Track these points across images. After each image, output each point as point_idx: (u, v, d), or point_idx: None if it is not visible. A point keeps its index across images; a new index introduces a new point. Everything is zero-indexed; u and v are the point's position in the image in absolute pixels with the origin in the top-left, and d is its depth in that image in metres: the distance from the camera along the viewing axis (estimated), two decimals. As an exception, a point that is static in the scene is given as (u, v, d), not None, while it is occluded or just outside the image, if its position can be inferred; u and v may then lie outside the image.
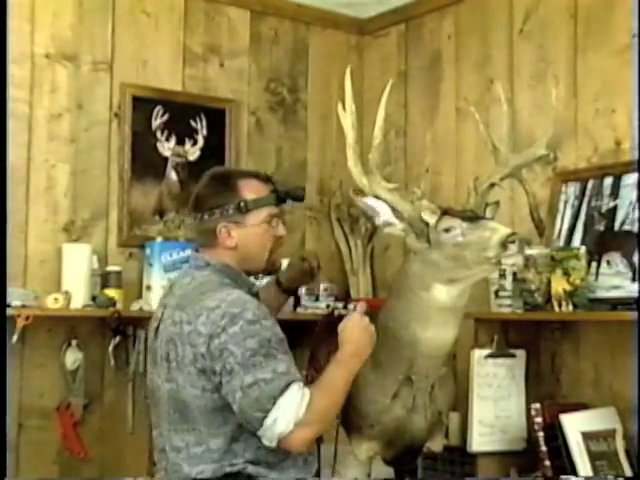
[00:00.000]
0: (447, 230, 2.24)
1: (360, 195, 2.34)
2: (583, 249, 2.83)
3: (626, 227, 2.84)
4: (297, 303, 3.39)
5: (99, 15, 3.31)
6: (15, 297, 2.88)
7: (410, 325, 2.28)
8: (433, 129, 3.60)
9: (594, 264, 2.85)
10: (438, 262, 2.25)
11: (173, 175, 3.42)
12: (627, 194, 2.86)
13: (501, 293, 2.98)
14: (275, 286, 2.61)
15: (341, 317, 2.29)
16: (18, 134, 3.09)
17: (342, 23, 3.89)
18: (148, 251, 3.21)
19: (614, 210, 2.89)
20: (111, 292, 3.11)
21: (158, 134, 3.39)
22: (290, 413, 2.03)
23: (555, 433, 2.73)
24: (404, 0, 3.69)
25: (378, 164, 2.30)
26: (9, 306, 2.81)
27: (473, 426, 2.88)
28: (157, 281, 3.16)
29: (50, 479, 3.09)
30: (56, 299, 2.97)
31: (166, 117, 3.40)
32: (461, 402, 2.89)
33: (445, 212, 2.28)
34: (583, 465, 2.68)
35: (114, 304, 3.08)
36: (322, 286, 3.51)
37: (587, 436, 2.71)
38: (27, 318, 2.86)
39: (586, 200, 2.98)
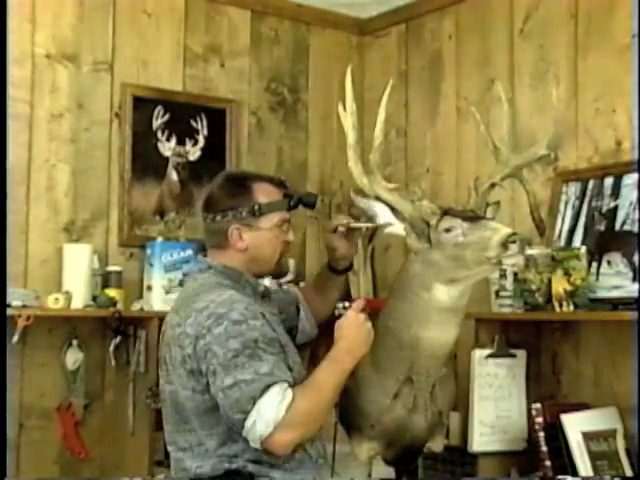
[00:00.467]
0: (448, 230, 2.24)
1: (361, 195, 2.34)
2: (584, 249, 2.83)
3: (627, 227, 2.84)
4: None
5: (100, 15, 3.31)
6: (16, 297, 2.88)
7: (411, 325, 2.28)
8: (434, 129, 3.60)
9: (595, 264, 2.85)
10: (439, 262, 2.24)
11: (174, 175, 3.43)
12: (628, 194, 2.86)
13: (502, 293, 2.98)
14: (330, 273, 2.51)
15: (341, 317, 2.29)
16: (19, 134, 3.09)
17: (343, 23, 3.89)
18: (149, 251, 3.21)
19: (615, 210, 2.88)
20: (112, 292, 3.11)
21: (159, 134, 3.39)
22: (268, 415, 2.00)
23: (556, 433, 2.74)
24: (405, 0, 3.69)
25: (379, 164, 2.29)
26: (10, 306, 2.82)
27: (474, 426, 2.88)
28: (158, 281, 3.16)
29: (50, 479, 3.09)
30: (57, 299, 2.97)
31: (167, 117, 3.41)
32: (462, 402, 2.88)
33: (446, 212, 2.27)
34: (584, 465, 2.68)
35: (115, 304, 3.09)
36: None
37: (588, 436, 2.71)
38: (28, 318, 2.86)
39: (587, 200, 2.98)
